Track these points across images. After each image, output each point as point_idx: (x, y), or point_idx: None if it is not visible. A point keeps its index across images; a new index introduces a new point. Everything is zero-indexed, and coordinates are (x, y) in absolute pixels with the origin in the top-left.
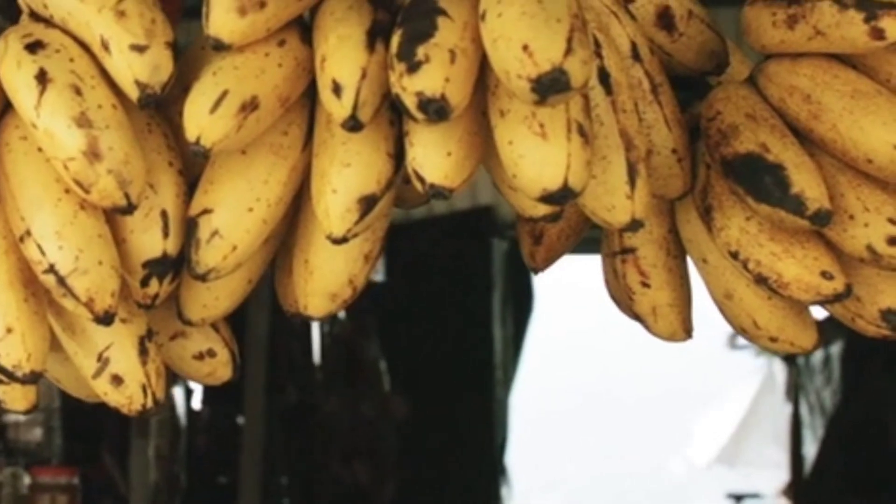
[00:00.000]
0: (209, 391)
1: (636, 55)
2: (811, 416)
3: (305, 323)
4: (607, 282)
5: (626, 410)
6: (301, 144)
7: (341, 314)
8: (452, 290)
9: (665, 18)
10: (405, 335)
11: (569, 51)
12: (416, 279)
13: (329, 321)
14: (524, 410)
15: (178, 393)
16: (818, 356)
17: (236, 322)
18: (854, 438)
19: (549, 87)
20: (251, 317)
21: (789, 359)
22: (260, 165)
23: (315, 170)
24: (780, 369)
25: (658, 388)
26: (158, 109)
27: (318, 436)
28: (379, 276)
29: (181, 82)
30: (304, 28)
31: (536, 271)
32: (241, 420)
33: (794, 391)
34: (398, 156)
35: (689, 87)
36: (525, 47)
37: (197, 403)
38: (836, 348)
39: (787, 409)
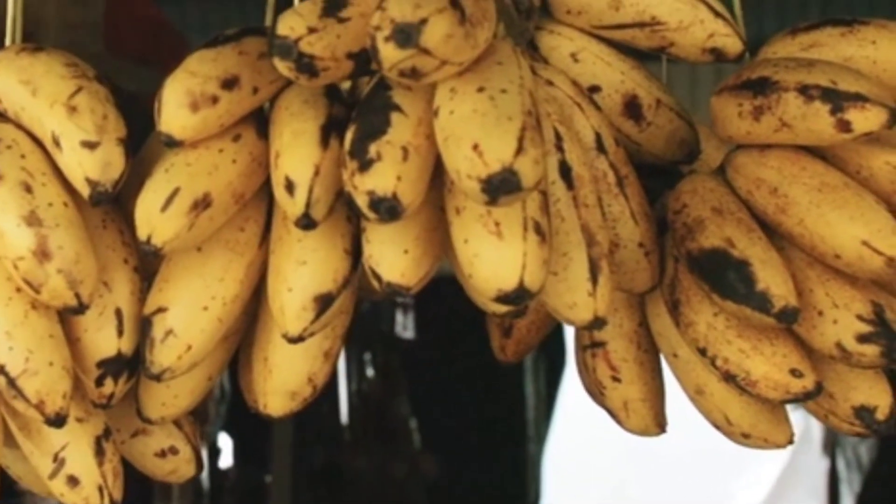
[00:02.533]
0: (237, 450)
1: (601, 147)
2: (848, 472)
3: (332, 381)
4: (580, 374)
5: (662, 467)
6: (258, 240)
7: (370, 371)
8: (483, 345)
9: (632, 108)
10: (435, 392)
11: (520, 150)
12: (446, 335)
13: (357, 378)
14: (557, 467)
15: (203, 456)
16: None
17: (345, 343)
18: (892, 494)
19: (500, 187)
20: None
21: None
22: (215, 262)
23: (271, 267)
24: (816, 424)
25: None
26: (116, 204)
27: (346, 496)
28: (409, 333)
29: (140, 175)
30: (261, 122)
31: (507, 364)
32: (268, 479)
33: (832, 447)
34: (356, 253)
35: (659, 174)
36: (475, 146)
37: (224, 462)
38: None
39: (825, 465)
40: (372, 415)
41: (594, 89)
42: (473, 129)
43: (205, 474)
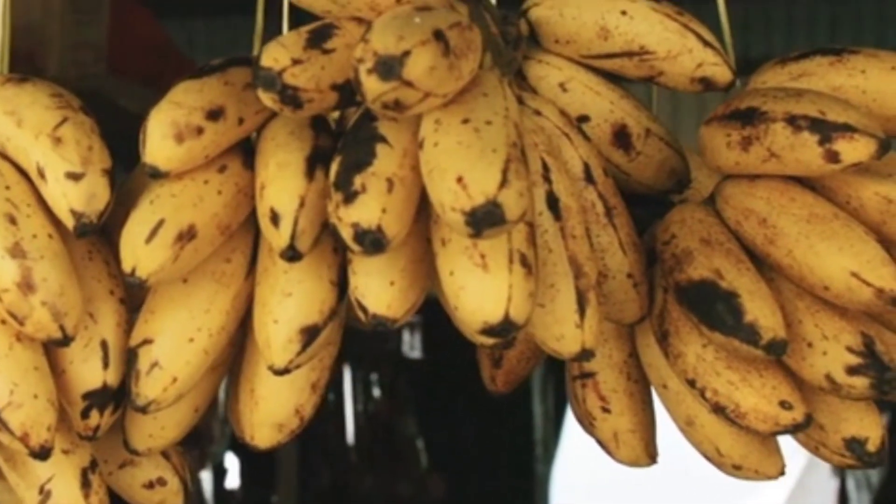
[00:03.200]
0: (243, 470)
1: (589, 177)
2: (858, 492)
3: (339, 401)
4: (571, 405)
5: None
6: (245, 272)
7: (377, 391)
8: None
9: (622, 137)
10: (443, 412)
11: (504, 183)
12: (454, 355)
13: (364, 398)
14: (566, 488)
15: (208, 476)
16: None
17: (333, 373)
18: None
19: (484, 220)
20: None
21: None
22: (201, 294)
23: (257, 299)
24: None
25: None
26: (102, 235)
27: None
28: (416, 353)
29: (127, 206)
30: (247, 153)
31: (497, 395)
32: (274, 500)
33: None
34: (342, 284)
35: (650, 204)
36: (459, 179)
37: (231, 483)
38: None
39: (834, 485)
40: (379, 435)
41: (583, 119)
42: (458, 161)
43: (211, 494)
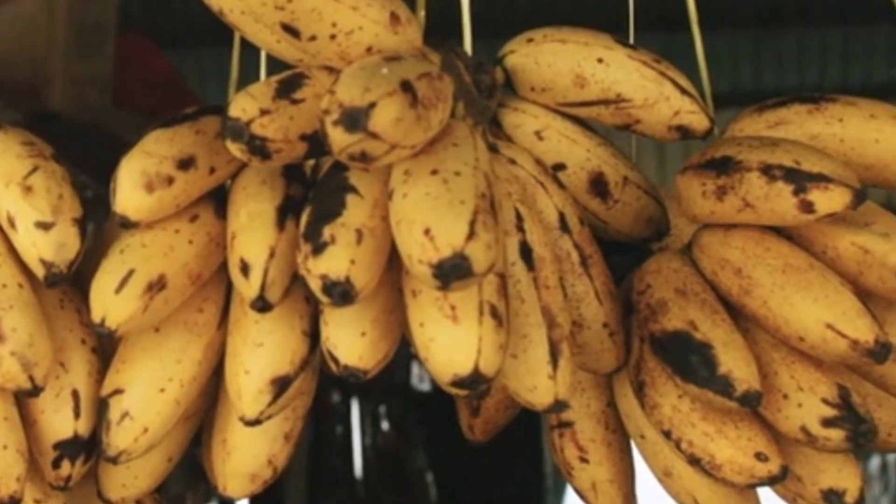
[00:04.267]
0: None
1: (564, 226)
2: None
3: (346, 434)
4: (551, 453)
5: None
6: (217, 321)
7: (385, 424)
8: None
9: (598, 185)
10: (452, 445)
11: (471, 235)
12: None
13: (372, 431)
14: None
15: None
16: (875, 463)
17: (306, 423)
18: None
19: (451, 272)
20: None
21: None
22: (173, 344)
23: (228, 349)
24: None
25: None
26: (75, 283)
27: None
28: (425, 386)
29: (100, 255)
30: (220, 201)
31: (476, 444)
32: None
33: None
34: (314, 334)
35: (628, 252)
36: (426, 231)
37: None
38: (892, 456)
39: None
40: (387, 469)
41: (559, 167)
42: (425, 212)
43: None
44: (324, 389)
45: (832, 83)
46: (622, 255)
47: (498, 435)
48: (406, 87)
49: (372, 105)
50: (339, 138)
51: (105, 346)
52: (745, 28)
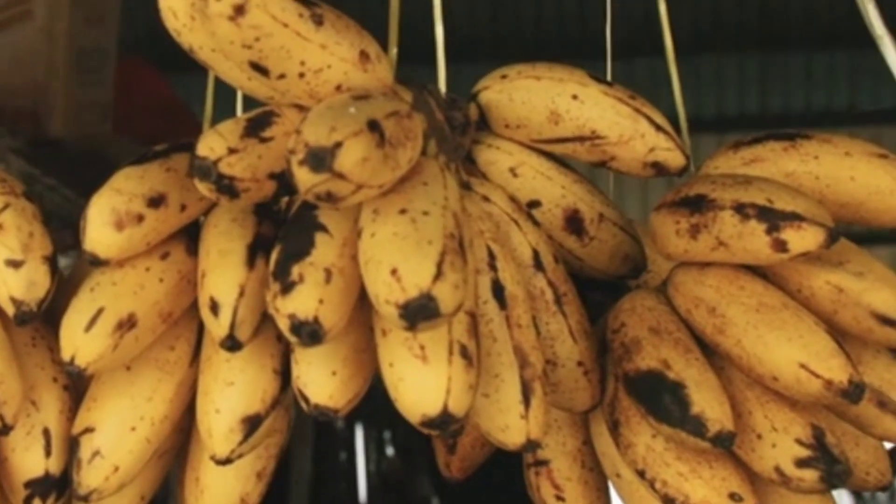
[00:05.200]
0: None
1: (538, 264)
2: None
3: (351, 460)
4: (529, 491)
5: None
6: (189, 359)
7: (390, 450)
8: None
9: (574, 223)
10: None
11: (439, 275)
12: None
13: (377, 457)
14: None
15: None
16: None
17: (279, 461)
18: None
19: (418, 313)
20: (294, 455)
21: (857, 493)
22: (144, 382)
23: (200, 387)
24: (848, 502)
25: None
26: (47, 321)
27: None
28: None
29: (71, 295)
30: (192, 239)
31: (453, 481)
32: None
33: None
34: (286, 372)
35: (606, 289)
36: (393, 271)
37: None
38: None
39: None
40: (392, 495)
41: (534, 204)
42: (393, 253)
43: None
44: None
45: (839, 106)
46: (599, 292)
47: (504, 459)
48: (373, 126)
49: (338, 145)
50: (305, 178)
51: (77, 384)
52: (752, 51)
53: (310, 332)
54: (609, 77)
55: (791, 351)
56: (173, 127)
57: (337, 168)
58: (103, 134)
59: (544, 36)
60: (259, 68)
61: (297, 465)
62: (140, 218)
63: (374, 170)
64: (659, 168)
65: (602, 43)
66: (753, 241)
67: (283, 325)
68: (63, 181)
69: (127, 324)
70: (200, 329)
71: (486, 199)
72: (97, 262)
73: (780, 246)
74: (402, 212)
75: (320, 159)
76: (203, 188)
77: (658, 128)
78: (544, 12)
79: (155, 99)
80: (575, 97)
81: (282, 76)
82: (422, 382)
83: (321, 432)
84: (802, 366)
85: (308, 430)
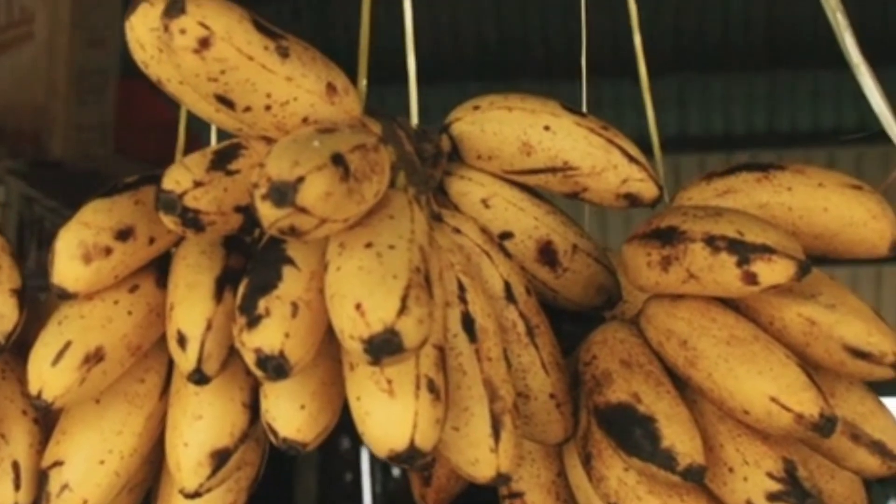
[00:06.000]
0: None
1: (510, 296)
2: None
3: (356, 481)
4: None
5: None
6: (159, 392)
7: (396, 471)
8: None
9: (547, 254)
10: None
11: (403, 310)
12: None
13: (383, 478)
14: None
15: None
16: None
17: (284, 482)
18: None
19: (382, 348)
20: (299, 476)
21: None
22: (114, 415)
23: (169, 420)
24: None
25: None
26: (19, 353)
27: None
28: None
29: (42, 327)
30: (162, 271)
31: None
32: None
33: None
34: (255, 406)
35: (581, 320)
36: (358, 306)
37: None
38: None
39: None
40: None
41: (506, 235)
42: (357, 287)
43: None
44: (333, 435)
45: (848, 125)
46: (575, 323)
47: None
48: (337, 160)
49: (300, 179)
50: (267, 213)
51: (47, 417)
52: (760, 70)
53: (275, 367)
54: (584, 103)
55: (762, 384)
56: (174, 148)
57: (299, 203)
58: (104, 155)
59: (553, 56)
60: (225, 101)
61: (302, 486)
62: (108, 251)
63: (338, 204)
64: (632, 199)
65: (590, 63)
66: (724, 274)
67: (249, 359)
68: (64, 203)
69: (94, 357)
70: (171, 362)
71: (457, 230)
72: (65, 296)
73: (751, 279)
74: (368, 245)
75: (283, 194)
76: (168, 222)
77: (631, 159)
78: (567, 24)
79: (156, 120)
80: (547, 128)
81: (248, 109)
82: (388, 417)
83: (326, 453)
84: (773, 399)
85: (313, 452)
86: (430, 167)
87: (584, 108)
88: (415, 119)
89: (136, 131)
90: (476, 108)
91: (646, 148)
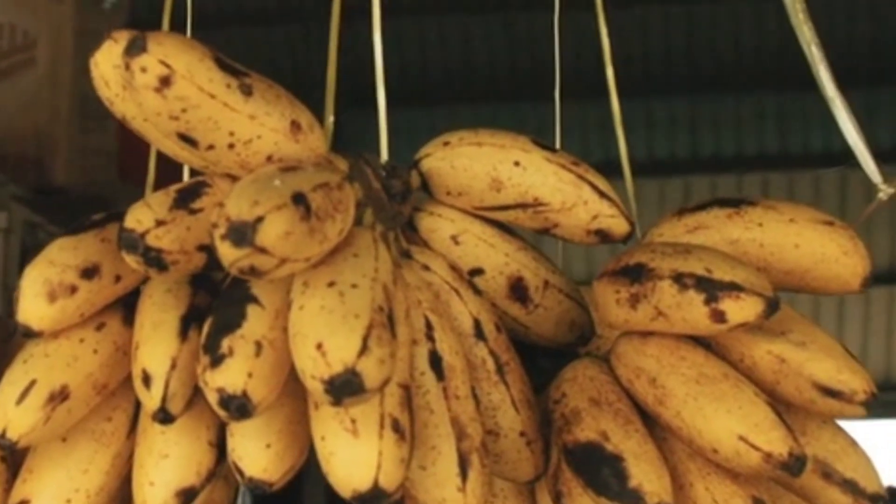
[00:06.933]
0: None
1: (479, 333)
2: None
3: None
4: None
5: None
6: (126, 430)
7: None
8: None
9: (518, 290)
10: None
11: (364, 350)
12: None
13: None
14: None
15: None
16: None
17: (292, 499)
18: None
19: (342, 388)
20: (308, 497)
21: None
22: (80, 453)
23: (135, 459)
24: None
25: None
26: None
27: None
28: None
29: (6, 365)
30: (129, 309)
31: None
32: None
33: None
34: (222, 444)
35: (556, 356)
36: (319, 346)
37: None
38: None
39: None
40: None
41: (476, 272)
42: (319, 326)
43: None
44: None
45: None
46: (548, 359)
47: None
48: (298, 199)
49: (259, 219)
50: (227, 253)
51: (15, 455)
52: (770, 90)
53: (238, 407)
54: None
55: (730, 423)
56: (178, 173)
57: (258, 243)
58: (108, 180)
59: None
60: (187, 139)
61: (311, 499)
62: (73, 289)
63: (299, 243)
64: (602, 235)
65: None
66: (692, 312)
67: (212, 398)
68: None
69: (59, 396)
70: (138, 400)
71: (426, 267)
72: (30, 334)
73: (719, 317)
74: (331, 284)
75: (241, 234)
76: (131, 261)
77: (602, 194)
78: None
79: None
80: (517, 164)
81: (211, 147)
82: (352, 457)
83: None
84: (741, 438)
85: (320, 472)
86: (398, 204)
87: (558, 133)
88: (384, 154)
89: (140, 156)
90: (446, 143)
91: (649, 169)
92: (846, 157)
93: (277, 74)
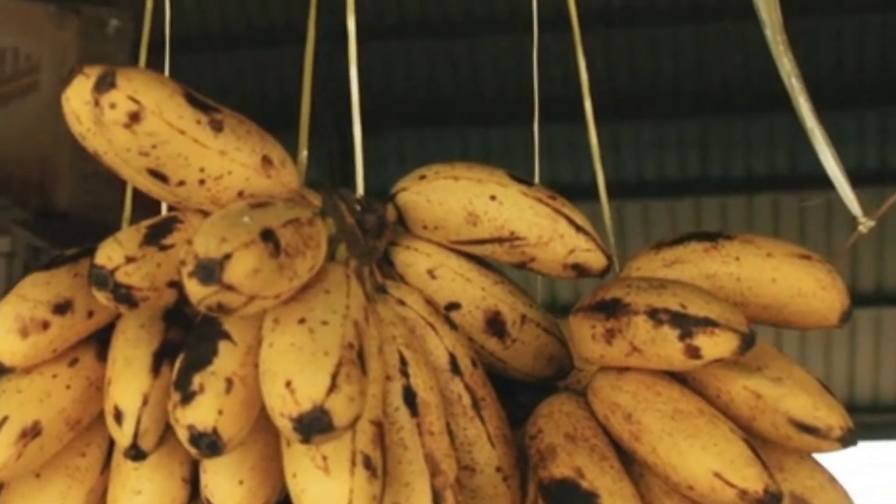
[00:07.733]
0: None
1: (455, 369)
2: None
3: None
4: None
5: None
6: (100, 466)
7: None
8: None
9: (495, 325)
10: None
11: (333, 388)
12: None
13: None
14: None
15: None
16: None
17: None
18: None
19: (311, 426)
20: None
21: None
22: (54, 490)
23: (108, 495)
24: None
25: None
26: None
27: None
28: None
29: None
30: (103, 345)
31: None
32: None
33: None
34: (195, 480)
35: (534, 390)
36: (288, 383)
37: None
38: None
39: None
40: None
41: (453, 306)
42: (288, 364)
43: None
44: None
45: (869, 166)
46: (527, 394)
47: None
48: (267, 235)
49: (227, 256)
50: (195, 290)
51: None
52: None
53: (209, 444)
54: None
55: (705, 459)
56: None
57: (226, 280)
58: (111, 205)
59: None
60: (158, 175)
61: None
62: (45, 325)
63: (268, 280)
64: (580, 270)
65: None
66: (666, 347)
67: (183, 436)
68: None
69: (31, 432)
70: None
71: (401, 302)
72: (3, 370)
73: (693, 352)
74: (301, 321)
75: (209, 271)
76: (101, 297)
77: (578, 228)
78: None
79: None
80: (493, 198)
81: (181, 183)
82: (324, 493)
83: None
84: (717, 474)
85: None
86: (373, 238)
87: (537, 162)
88: (360, 189)
89: None
90: (422, 177)
91: (658, 190)
92: (854, 178)
93: (264, 98)
